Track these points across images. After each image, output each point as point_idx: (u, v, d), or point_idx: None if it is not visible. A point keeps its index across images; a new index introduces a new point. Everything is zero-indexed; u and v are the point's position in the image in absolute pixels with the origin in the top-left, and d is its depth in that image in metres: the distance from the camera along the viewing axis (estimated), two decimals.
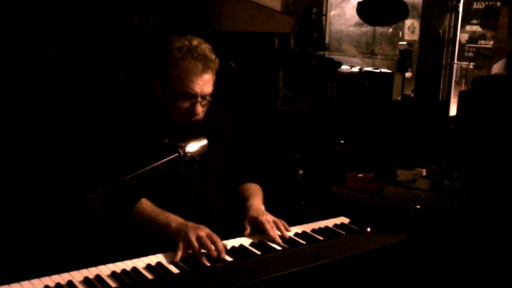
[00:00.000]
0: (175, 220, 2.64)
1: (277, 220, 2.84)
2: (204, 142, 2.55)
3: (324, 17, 9.83)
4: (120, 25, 5.76)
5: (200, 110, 2.80)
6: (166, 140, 2.51)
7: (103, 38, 5.66)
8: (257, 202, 2.95)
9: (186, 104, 2.78)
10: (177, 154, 2.44)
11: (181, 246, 2.51)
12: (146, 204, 2.74)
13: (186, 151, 2.47)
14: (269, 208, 3.01)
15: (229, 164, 3.12)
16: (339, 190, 3.89)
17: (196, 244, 2.50)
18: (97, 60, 5.62)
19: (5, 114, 5.16)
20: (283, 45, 6.56)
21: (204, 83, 2.77)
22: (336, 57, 9.42)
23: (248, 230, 2.77)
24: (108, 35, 5.69)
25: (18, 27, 5.26)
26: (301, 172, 5.88)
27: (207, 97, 2.82)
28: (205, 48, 2.80)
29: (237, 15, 6.11)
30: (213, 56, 2.80)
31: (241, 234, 2.78)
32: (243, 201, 2.98)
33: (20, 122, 5.19)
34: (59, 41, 5.49)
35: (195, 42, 2.78)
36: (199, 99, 2.77)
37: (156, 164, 2.34)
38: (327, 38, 10.18)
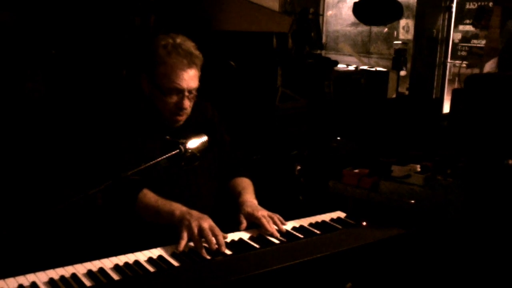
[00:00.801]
0: (179, 208, 2.64)
1: (272, 215, 2.84)
2: (204, 138, 2.58)
3: (321, 17, 9.83)
4: (122, 25, 5.81)
5: (187, 104, 2.82)
6: (167, 137, 2.56)
7: (106, 37, 5.71)
8: (250, 197, 2.94)
9: (174, 99, 2.79)
10: (178, 150, 2.47)
11: (184, 235, 2.50)
12: (149, 194, 2.74)
13: (187, 147, 2.50)
14: (267, 203, 3.00)
15: (218, 159, 3.10)
16: (336, 185, 3.89)
17: (197, 234, 2.49)
18: (100, 59, 5.66)
19: (11, 111, 5.22)
20: (281, 44, 6.65)
21: (190, 78, 2.79)
22: (333, 56, 9.31)
23: (244, 224, 2.77)
24: (111, 34, 5.74)
25: (23, 26, 5.32)
26: (298, 167, 6.03)
27: (194, 92, 2.83)
28: (189, 45, 2.82)
29: (236, 15, 6.19)
30: (197, 52, 2.82)
31: (234, 229, 2.77)
32: (235, 197, 2.98)
33: (26, 119, 5.26)
34: (63, 40, 5.54)
35: (179, 39, 2.81)
36: (186, 93, 2.80)
37: (159, 160, 2.37)
38: (324, 37, 10.20)
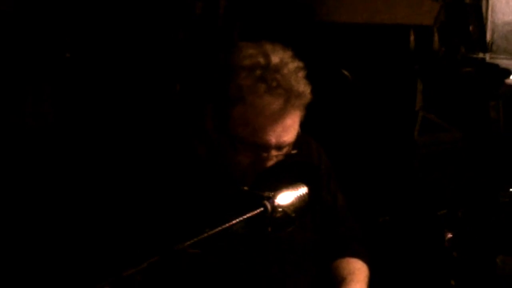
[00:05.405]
0: None
1: None
2: (302, 190, 2.16)
3: (483, 2, 8.69)
4: (175, 15, 4.89)
5: (270, 165, 2.34)
6: (245, 187, 2.20)
7: (150, 34, 4.80)
8: None
9: (250, 158, 2.32)
10: (262, 209, 2.07)
11: None
12: None
13: (276, 203, 2.10)
14: None
15: (323, 230, 2.66)
16: (508, 263, 3.79)
17: None
18: (141, 65, 4.76)
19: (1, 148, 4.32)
20: (421, 44, 5.71)
21: (284, 130, 2.29)
22: (503, 62, 8.18)
23: None
24: (158, 29, 4.82)
25: (22, 16, 4.47)
26: (449, 236, 4.90)
27: (286, 148, 2.34)
28: (290, 71, 2.27)
29: (353, 1, 5.46)
30: (300, 87, 2.25)
31: None
32: (337, 285, 2.55)
33: (24, 163, 4.37)
34: (84, 38, 4.67)
35: (275, 59, 2.26)
36: (273, 151, 2.30)
37: (231, 223, 1.98)
38: (488, 33, 9.05)
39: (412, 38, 5.58)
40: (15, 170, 4.30)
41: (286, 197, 2.17)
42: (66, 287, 3.88)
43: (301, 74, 2.31)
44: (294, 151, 2.43)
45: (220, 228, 1.99)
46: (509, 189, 5.31)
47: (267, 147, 2.31)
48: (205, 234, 1.97)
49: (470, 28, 6.44)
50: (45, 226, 4.22)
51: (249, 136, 2.29)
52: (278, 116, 2.27)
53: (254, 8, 5.01)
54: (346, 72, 5.26)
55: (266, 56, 2.27)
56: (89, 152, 4.45)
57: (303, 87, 2.28)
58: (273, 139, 2.29)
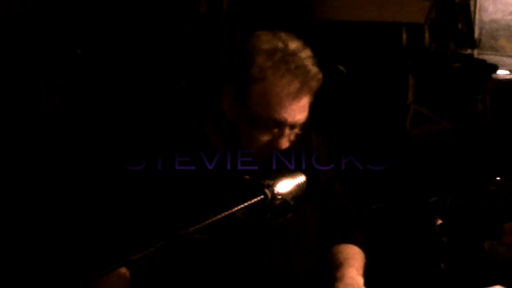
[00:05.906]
0: None
1: None
2: (301, 179, 2.25)
3: (472, 0, 8.58)
4: (181, 13, 4.97)
5: (285, 144, 2.44)
6: (246, 176, 2.32)
7: (157, 30, 4.88)
8: (352, 273, 2.52)
9: (268, 135, 2.42)
10: (262, 197, 2.15)
11: None
12: None
13: (276, 191, 2.17)
14: (393, 274, 3.05)
15: (322, 216, 2.73)
16: (495, 248, 3.73)
17: None
18: (148, 61, 4.82)
19: (17, 139, 4.41)
20: (413, 40, 5.80)
21: (298, 109, 2.40)
22: (490, 57, 8.22)
23: None
24: (165, 26, 4.91)
25: (35, 13, 4.48)
26: (439, 222, 5.14)
27: (298, 128, 2.45)
28: (306, 56, 2.40)
29: (349, 0, 5.49)
30: (315, 70, 2.38)
31: None
32: (333, 270, 2.58)
33: (38, 150, 4.42)
34: (94, 35, 4.69)
35: (292, 45, 2.39)
36: (287, 130, 2.41)
37: (234, 210, 2.05)
38: (476, 30, 8.99)
39: (404, 35, 5.69)
40: (31, 159, 4.36)
41: (285, 185, 2.24)
42: (75, 271, 3.77)
43: (313, 59, 2.42)
44: (301, 132, 2.51)
45: (223, 214, 2.06)
46: (495, 177, 5.45)
47: (282, 125, 2.41)
48: (209, 220, 2.05)
49: (459, 25, 6.55)
50: (56, 212, 4.27)
51: (267, 113, 2.39)
52: (295, 95, 2.37)
53: (255, 6, 5.10)
54: (342, 68, 5.33)
55: (284, 42, 2.38)
56: (98, 141, 4.54)
57: (317, 71, 2.40)
58: (289, 117, 2.39)
